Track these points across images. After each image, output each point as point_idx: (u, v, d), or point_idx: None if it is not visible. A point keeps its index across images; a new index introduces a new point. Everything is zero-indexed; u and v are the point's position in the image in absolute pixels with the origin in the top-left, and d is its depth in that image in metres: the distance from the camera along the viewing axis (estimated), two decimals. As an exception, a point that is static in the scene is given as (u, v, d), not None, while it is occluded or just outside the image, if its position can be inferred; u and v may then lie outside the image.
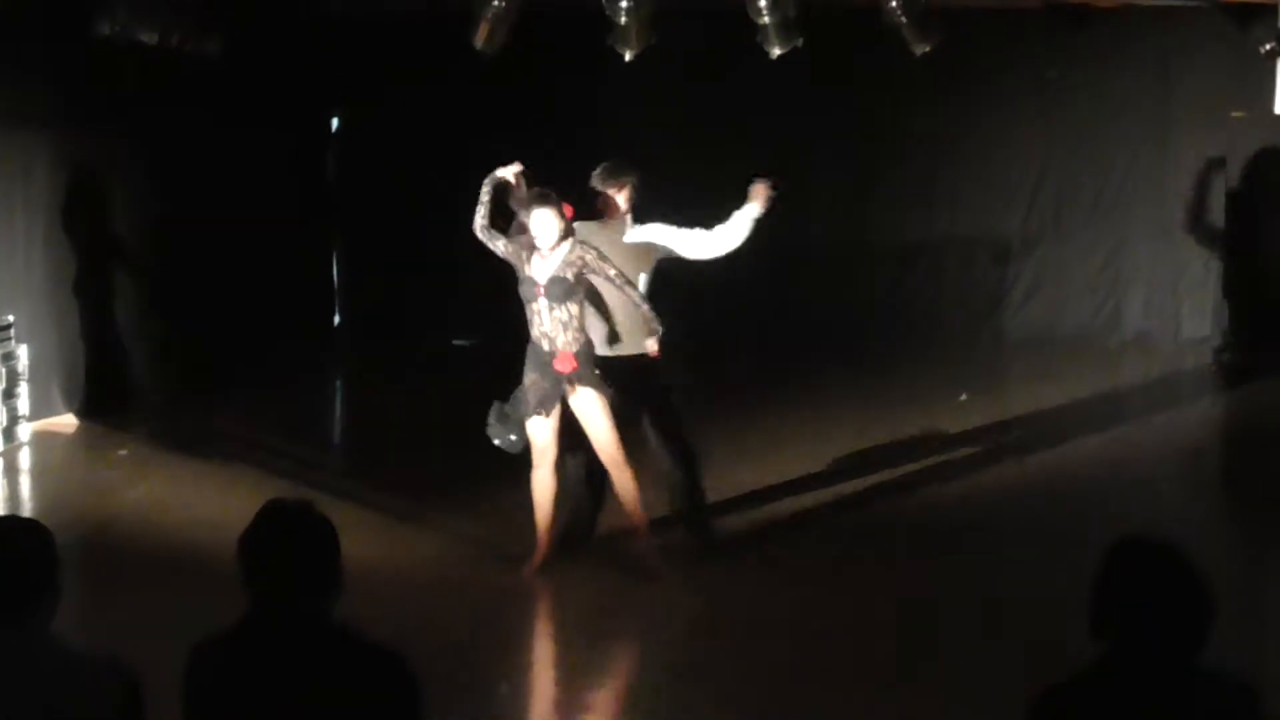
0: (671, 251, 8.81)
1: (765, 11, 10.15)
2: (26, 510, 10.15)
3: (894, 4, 10.57)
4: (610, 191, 8.70)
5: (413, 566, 8.89)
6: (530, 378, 8.36)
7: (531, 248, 8.26)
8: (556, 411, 8.36)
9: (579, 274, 8.23)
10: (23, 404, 11.70)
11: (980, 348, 15.43)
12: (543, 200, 8.25)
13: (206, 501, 10.12)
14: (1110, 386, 14.08)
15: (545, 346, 8.29)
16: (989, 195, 15.86)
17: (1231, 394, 14.09)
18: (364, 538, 8.65)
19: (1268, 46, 13.50)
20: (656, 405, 8.78)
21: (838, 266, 15.75)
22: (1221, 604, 3.52)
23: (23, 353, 11.72)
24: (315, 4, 13.88)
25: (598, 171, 8.74)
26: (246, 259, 14.34)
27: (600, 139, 15.27)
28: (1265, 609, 8.06)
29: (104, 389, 12.83)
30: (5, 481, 11.12)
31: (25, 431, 11.73)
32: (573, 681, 7.63)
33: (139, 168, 13.30)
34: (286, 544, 3.80)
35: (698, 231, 8.79)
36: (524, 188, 8.52)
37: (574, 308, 8.26)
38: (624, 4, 10.11)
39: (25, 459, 11.50)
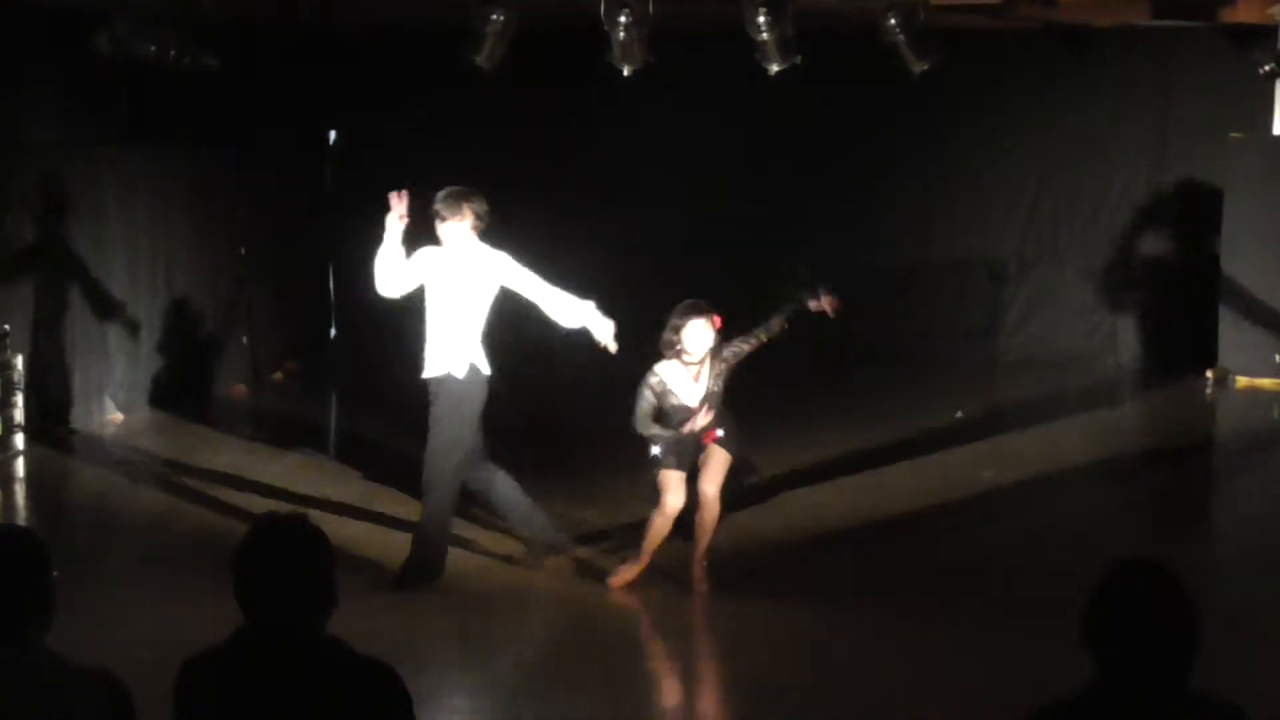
0: (520, 293, 8.78)
1: (764, 28, 10.16)
2: (21, 520, 10.16)
3: (892, 23, 10.58)
4: (452, 218, 8.65)
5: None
6: (668, 445, 8.49)
7: (666, 385, 8.41)
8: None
9: (728, 376, 8.44)
10: (17, 414, 11.71)
11: (976, 369, 15.44)
12: (696, 311, 8.39)
13: (203, 512, 10.13)
14: (1106, 408, 14.10)
15: (690, 437, 8.49)
16: (986, 216, 15.88)
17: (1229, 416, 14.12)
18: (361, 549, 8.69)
19: (1267, 68, 13.53)
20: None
21: (832, 288, 15.73)
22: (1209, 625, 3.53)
23: (17, 363, 11.72)
24: (313, 19, 13.89)
25: (441, 196, 8.70)
26: (243, 272, 14.39)
27: (596, 155, 15.38)
28: (1252, 632, 8.06)
29: (99, 400, 12.86)
30: (0, 491, 11.13)
31: (20, 441, 11.73)
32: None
33: (134, 180, 13.32)
34: (280, 558, 3.78)
35: (548, 289, 8.72)
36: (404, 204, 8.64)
37: (722, 409, 8.51)
38: (623, 20, 10.12)
39: (20, 468, 11.50)
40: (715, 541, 8.65)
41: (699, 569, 8.64)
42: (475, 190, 8.77)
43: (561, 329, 8.87)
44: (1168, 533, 10.15)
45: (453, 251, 8.72)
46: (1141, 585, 3.53)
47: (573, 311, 8.71)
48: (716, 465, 8.53)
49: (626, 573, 8.66)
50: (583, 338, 8.78)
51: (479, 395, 8.73)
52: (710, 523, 8.57)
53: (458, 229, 8.66)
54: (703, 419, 8.45)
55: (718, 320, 8.45)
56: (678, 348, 8.41)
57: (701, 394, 8.48)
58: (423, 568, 8.69)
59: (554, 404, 13.77)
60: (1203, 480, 12.11)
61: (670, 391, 8.47)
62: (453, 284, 8.74)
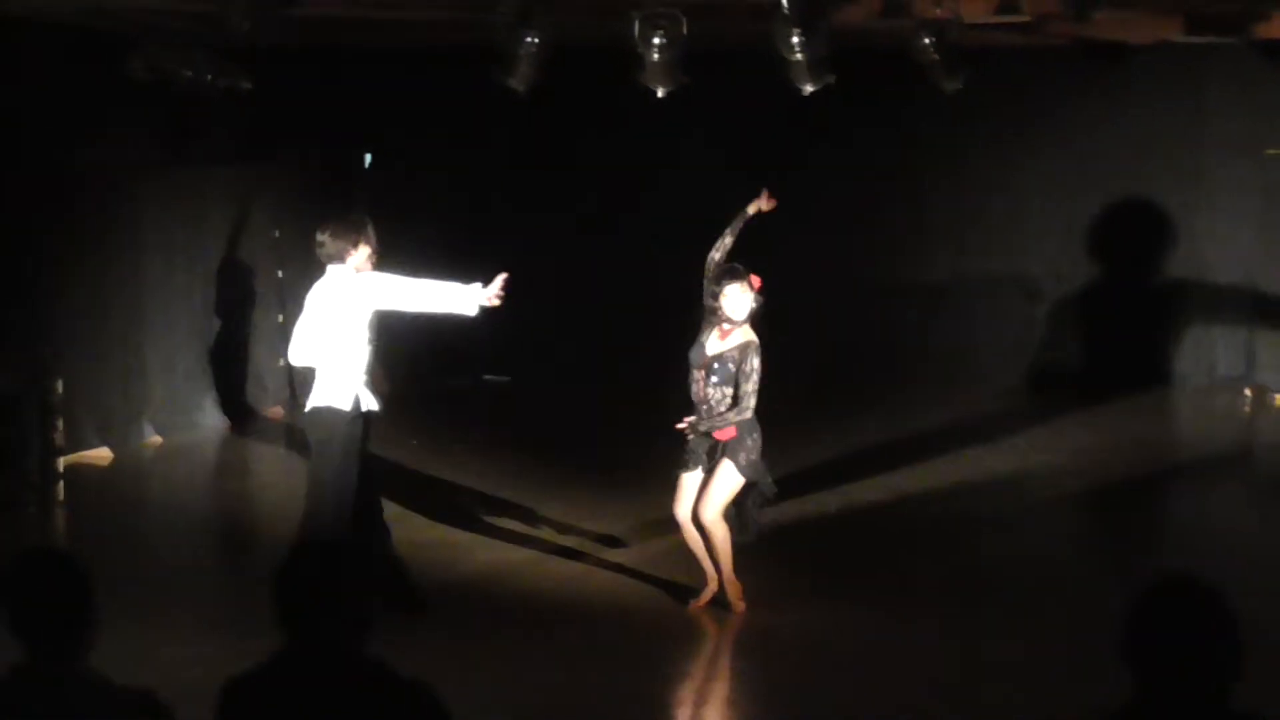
0: (394, 305, 8.67)
1: (798, 49, 10.15)
2: (61, 542, 10.20)
3: (925, 41, 10.57)
4: (344, 247, 8.46)
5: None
6: (692, 437, 8.54)
7: (715, 317, 8.43)
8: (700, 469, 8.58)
9: (739, 365, 8.37)
10: (57, 437, 11.73)
11: (1011, 387, 15.36)
12: (733, 275, 8.41)
13: (242, 534, 10.18)
14: (1142, 426, 14.04)
15: (704, 410, 8.47)
16: (1020, 233, 15.83)
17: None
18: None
19: (1302, 83, 13.48)
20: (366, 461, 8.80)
21: (866, 305, 15.72)
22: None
23: (57, 386, 11.75)
24: (346, 41, 13.94)
25: (329, 228, 8.52)
26: (281, 293, 14.44)
27: (630, 175, 15.39)
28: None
29: (137, 423, 12.91)
30: (41, 514, 11.16)
31: (59, 465, 11.76)
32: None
33: (172, 202, 13.38)
34: (320, 579, 3.81)
35: (423, 285, 8.61)
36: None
37: (729, 389, 8.42)
38: (656, 41, 10.13)
39: (60, 491, 11.53)
40: (737, 559, 8.65)
41: (732, 589, 8.68)
42: (365, 219, 8.63)
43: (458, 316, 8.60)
44: (1205, 550, 10.08)
45: (341, 282, 8.49)
46: (1183, 603, 3.51)
47: (457, 295, 8.46)
48: (715, 487, 8.51)
49: (704, 594, 8.78)
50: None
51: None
52: (720, 546, 8.60)
53: (347, 257, 8.48)
54: (701, 384, 8.43)
55: (756, 280, 8.43)
56: (719, 314, 8.41)
57: (716, 350, 8.42)
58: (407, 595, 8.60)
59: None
60: (1241, 498, 12.05)
61: (707, 328, 8.48)
62: (342, 314, 8.55)
